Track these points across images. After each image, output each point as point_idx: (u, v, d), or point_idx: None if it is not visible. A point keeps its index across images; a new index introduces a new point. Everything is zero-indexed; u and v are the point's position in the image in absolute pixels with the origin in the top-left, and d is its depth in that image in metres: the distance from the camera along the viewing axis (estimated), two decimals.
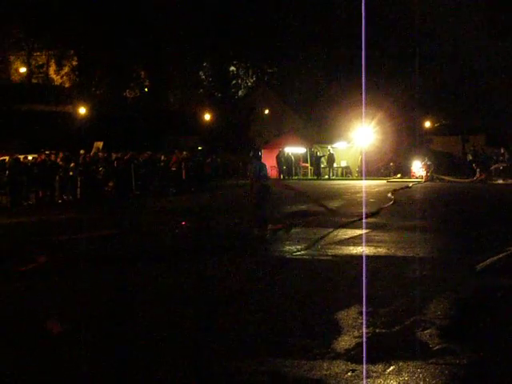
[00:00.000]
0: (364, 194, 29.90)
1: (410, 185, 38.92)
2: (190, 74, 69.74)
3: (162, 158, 39.39)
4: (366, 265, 12.49)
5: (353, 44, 52.99)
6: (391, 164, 51.00)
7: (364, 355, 7.31)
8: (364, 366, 6.97)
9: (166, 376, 7.03)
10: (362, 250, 14.72)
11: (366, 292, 10.09)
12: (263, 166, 18.05)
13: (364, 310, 9.24)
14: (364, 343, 7.81)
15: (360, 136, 49.12)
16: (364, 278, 11.02)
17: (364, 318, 8.86)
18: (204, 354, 7.67)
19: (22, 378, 7.08)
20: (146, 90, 68.34)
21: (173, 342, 8.17)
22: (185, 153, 41.12)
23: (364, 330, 8.34)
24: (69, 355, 7.75)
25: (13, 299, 10.81)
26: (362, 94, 42.51)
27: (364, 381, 6.59)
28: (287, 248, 15.46)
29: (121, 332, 8.76)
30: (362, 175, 46.65)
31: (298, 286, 11.30)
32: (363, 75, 43.67)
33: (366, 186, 37.14)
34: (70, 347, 8.03)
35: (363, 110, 46.91)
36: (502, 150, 46.46)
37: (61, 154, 33.05)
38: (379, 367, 6.98)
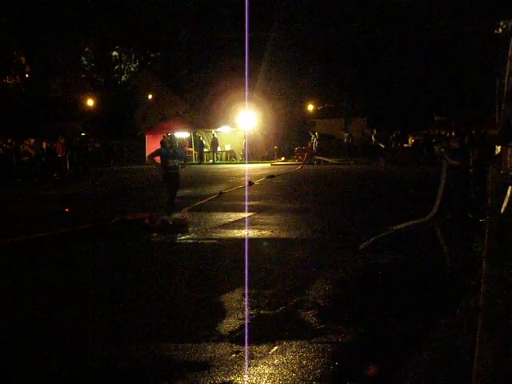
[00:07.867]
0: (247, 178, 29.97)
1: (296, 168, 39.30)
2: (71, 60, 68.35)
3: (45, 144, 38.59)
4: (251, 247, 12.58)
5: (235, 27, 53.22)
6: (275, 147, 51.48)
7: (248, 337, 7.37)
8: (248, 348, 7.03)
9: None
10: (246, 232, 14.81)
11: (251, 274, 10.17)
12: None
13: (248, 292, 9.31)
14: (248, 325, 7.88)
15: (243, 120, 49.36)
16: (248, 261, 11.09)
17: (248, 300, 8.93)
18: (84, 340, 7.59)
19: None
20: (27, 75, 66.54)
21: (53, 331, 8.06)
22: (63, 140, 40.20)
23: (248, 311, 8.41)
24: None
25: None
26: (244, 78, 42.82)
27: (248, 362, 6.63)
28: (171, 233, 15.38)
29: None
30: (245, 159, 47.06)
31: (181, 270, 11.30)
32: (246, 59, 43.90)
33: (250, 169, 37.40)
34: None
35: (246, 94, 47.25)
36: (375, 131, 48.61)
37: None
38: (263, 348, 7.06)
